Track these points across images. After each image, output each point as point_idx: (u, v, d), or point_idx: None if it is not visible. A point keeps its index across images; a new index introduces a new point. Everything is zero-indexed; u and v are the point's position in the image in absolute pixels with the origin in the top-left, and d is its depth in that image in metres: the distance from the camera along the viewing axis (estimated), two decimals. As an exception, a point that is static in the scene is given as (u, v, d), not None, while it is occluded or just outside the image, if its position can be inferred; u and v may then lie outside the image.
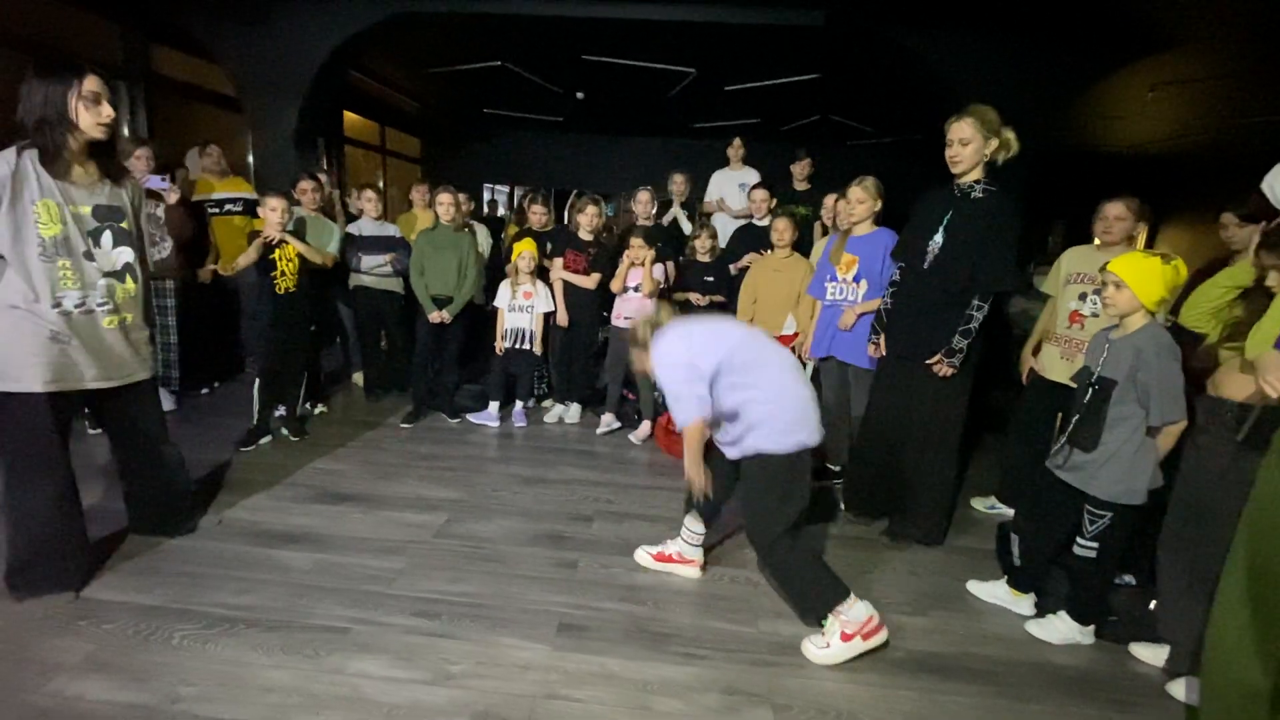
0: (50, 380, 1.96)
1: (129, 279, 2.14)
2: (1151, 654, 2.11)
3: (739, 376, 2.05)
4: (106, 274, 2.07)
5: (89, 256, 2.03)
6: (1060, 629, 2.17)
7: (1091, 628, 2.17)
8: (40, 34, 4.65)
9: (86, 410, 2.28)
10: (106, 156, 2.08)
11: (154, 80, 5.58)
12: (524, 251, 3.88)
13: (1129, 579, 2.41)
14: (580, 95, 8.35)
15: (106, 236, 2.07)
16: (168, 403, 3.97)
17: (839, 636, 2.00)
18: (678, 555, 2.47)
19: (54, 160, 1.92)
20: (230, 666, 1.83)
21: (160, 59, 5.65)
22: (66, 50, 4.82)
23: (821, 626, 2.06)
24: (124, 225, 2.11)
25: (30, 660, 1.81)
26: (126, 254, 2.13)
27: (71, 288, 1.99)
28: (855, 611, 2.00)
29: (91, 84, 1.93)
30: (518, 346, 3.97)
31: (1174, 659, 2.04)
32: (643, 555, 2.51)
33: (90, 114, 1.94)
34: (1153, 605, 2.27)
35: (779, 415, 2.04)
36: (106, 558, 2.32)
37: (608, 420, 3.99)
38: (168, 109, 5.76)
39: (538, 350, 4.00)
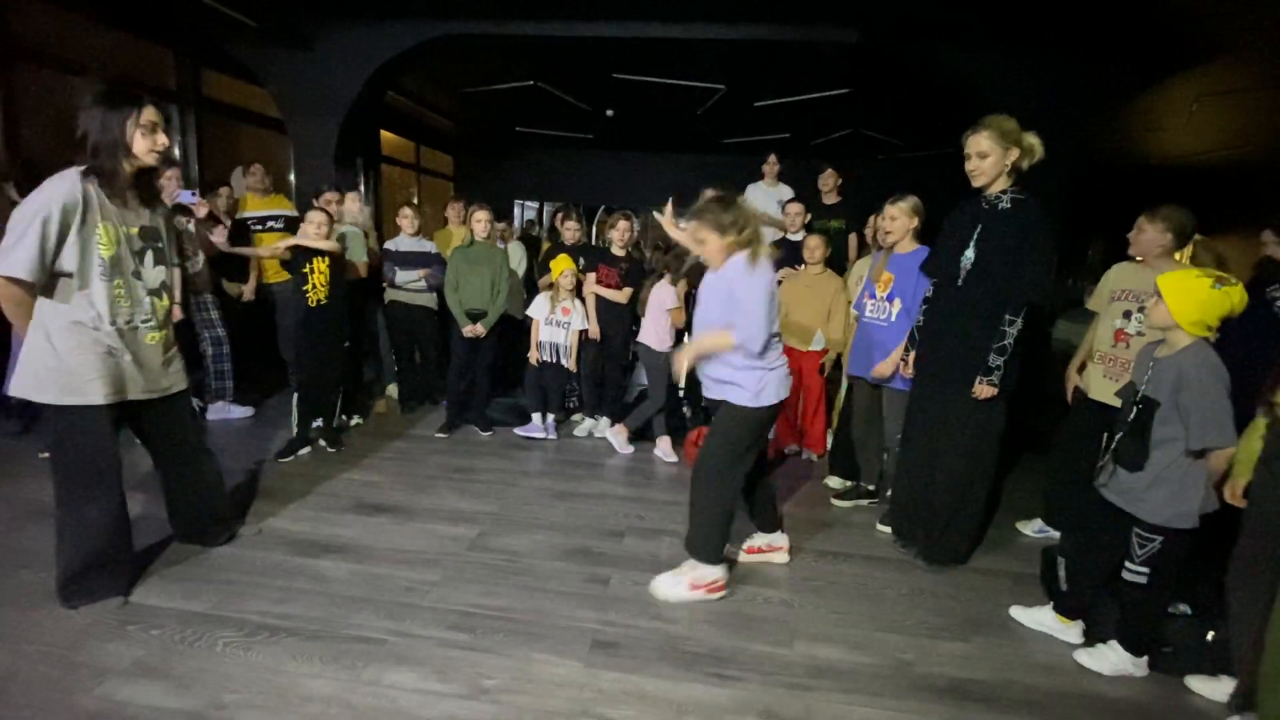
0: (110, 393, 2.04)
1: (165, 296, 2.25)
2: (1209, 687, 2.01)
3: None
4: (149, 291, 2.17)
5: (136, 275, 2.12)
6: (1111, 659, 2.09)
7: (1145, 658, 2.07)
8: (102, 61, 4.89)
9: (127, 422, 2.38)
10: (148, 181, 2.17)
11: (204, 103, 5.82)
12: (566, 270, 3.92)
13: (1184, 608, 2.31)
14: (610, 113, 8.46)
15: (149, 256, 2.17)
16: (243, 412, 4.09)
17: (687, 584, 2.35)
18: (766, 545, 2.68)
19: (110, 184, 2.00)
20: (271, 675, 1.86)
21: (210, 83, 5.90)
22: (126, 76, 5.06)
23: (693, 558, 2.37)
24: (160, 245, 2.21)
25: (81, 664, 1.86)
26: (163, 273, 2.23)
27: (124, 305, 2.08)
28: (713, 572, 2.35)
29: (150, 114, 2.02)
30: (551, 360, 4.01)
31: (1242, 694, 1.93)
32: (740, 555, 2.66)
33: (146, 142, 2.03)
34: (1210, 636, 2.17)
35: (769, 382, 2.27)
36: (150, 564, 2.38)
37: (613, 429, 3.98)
38: (216, 130, 6.00)
39: (571, 367, 4.03)
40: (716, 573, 2.37)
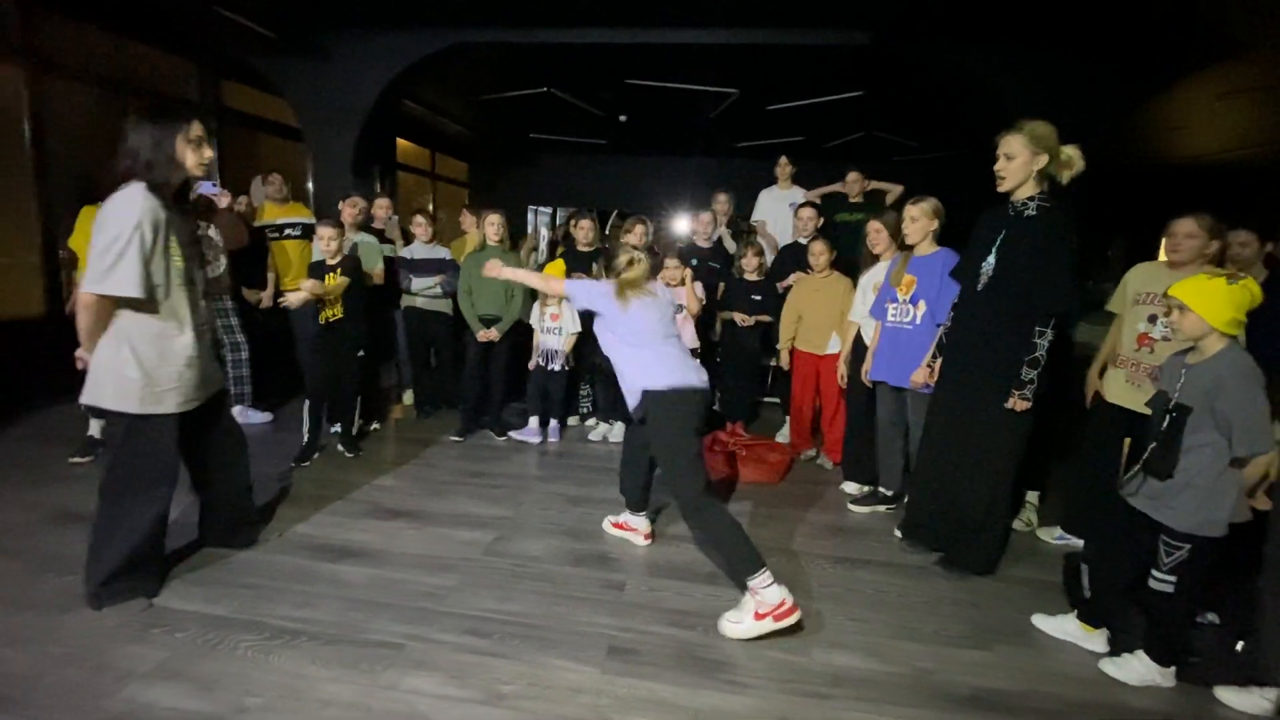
0: (183, 401, 2.14)
1: (205, 299, 2.32)
2: (1239, 699, 1.96)
3: (632, 337, 2.42)
4: (202, 296, 2.27)
5: (194, 282, 2.21)
6: (1138, 669, 2.04)
7: (1172, 669, 2.03)
8: (126, 74, 5.01)
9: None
10: (186, 192, 2.26)
11: (224, 113, 5.93)
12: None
13: (1212, 618, 2.26)
14: (623, 118, 8.49)
15: (195, 262, 2.26)
16: (261, 417, 4.15)
17: (752, 615, 2.14)
18: (627, 523, 2.85)
19: (163, 196, 2.06)
20: (291, 679, 1.88)
21: (230, 93, 6.01)
22: (149, 88, 5.17)
23: (742, 594, 2.21)
24: (200, 251, 2.34)
25: (106, 666, 1.89)
26: (202, 277, 2.32)
27: (193, 312, 2.17)
28: (769, 594, 2.13)
29: (197, 129, 2.12)
30: (550, 367, 4.02)
31: None
32: (606, 524, 2.91)
33: (195, 155, 2.11)
34: (1239, 646, 2.12)
35: (657, 364, 2.37)
36: (173, 568, 2.42)
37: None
38: (236, 140, 6.11)
39: (558, 367, 4.04)
40: (777, 594, 2.13)
